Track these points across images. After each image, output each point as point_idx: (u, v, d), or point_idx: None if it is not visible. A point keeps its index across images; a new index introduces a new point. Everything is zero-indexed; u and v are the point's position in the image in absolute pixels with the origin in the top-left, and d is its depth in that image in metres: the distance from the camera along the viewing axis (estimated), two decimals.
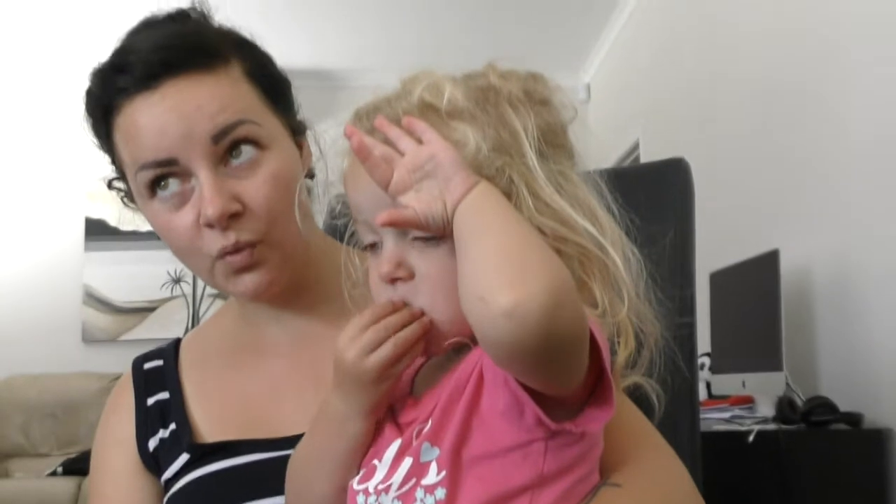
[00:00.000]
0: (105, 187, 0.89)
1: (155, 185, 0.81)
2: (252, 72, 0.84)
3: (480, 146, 0.63)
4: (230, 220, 0.79)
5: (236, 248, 0.80)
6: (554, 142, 0.68)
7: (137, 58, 0.79)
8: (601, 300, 0.66)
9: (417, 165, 0.63)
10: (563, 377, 0.59)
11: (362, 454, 0.69)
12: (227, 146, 0.80)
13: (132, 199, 0.87)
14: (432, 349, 0.68)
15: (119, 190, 0.88)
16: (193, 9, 0.87)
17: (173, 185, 0.80)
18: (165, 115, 0.78)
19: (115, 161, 0.85)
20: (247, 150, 0.80)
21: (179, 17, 0.86)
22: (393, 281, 0.66)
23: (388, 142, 0.65)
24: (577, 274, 0.65)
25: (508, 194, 0.63)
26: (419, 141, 0.64)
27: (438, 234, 0.63)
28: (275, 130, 0.84)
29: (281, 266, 0.83)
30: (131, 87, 0.79)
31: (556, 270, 0.56)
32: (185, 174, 0.80)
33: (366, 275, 0.71)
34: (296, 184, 0.82)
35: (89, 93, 0.83)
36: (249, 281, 0.82)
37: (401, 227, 0.64)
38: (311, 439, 0.72)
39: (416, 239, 0.65)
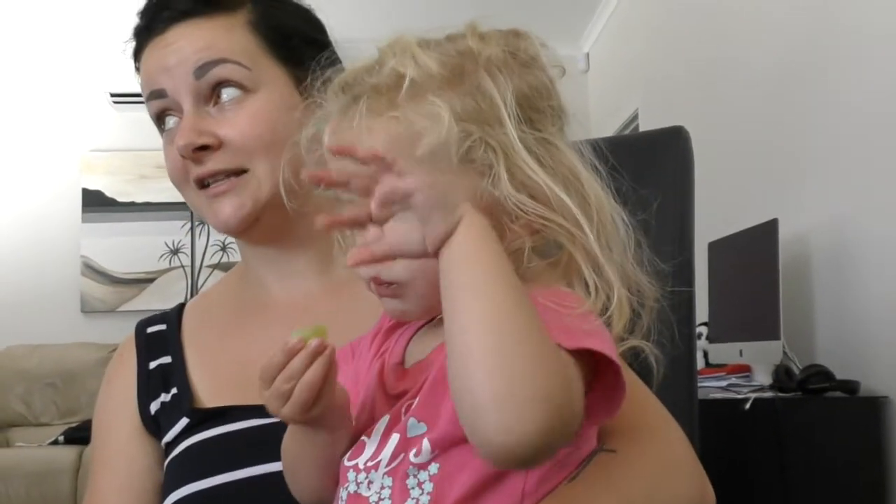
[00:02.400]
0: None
1: (160, 121, 0.89)
2: (258, 22, 0.89)
3: (456, 117, 0.61)
4: (203, 152, 0.85)
5: (212, 175, 0.86)
6: (538, 105, 0.66)
7: (157, 5, 0.89)
8: (590, 278, 0.64)
9: (390, 200, 0.58)
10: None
11: (341, 454, 0.67)
12: (212, 85, 0.86)
13: None
14: (412, 318, 0.68)
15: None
16: None
17: (170, 121, 0.89)
18: (163, 52, 0.87)
19: None
20: (229, 91, 0.86)
21: None
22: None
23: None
24: (566, 250, 0.64)
25: (489, 166, 0.62)
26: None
27: (417, 256, 0.60)
28: (268, 77, 0.88)
29: (259, 198, 0.86)
30: (147, 32, 0.89)
31: (554, 377, 0.54)
32: (177, 109, 0.87)
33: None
34: (281, 125, 0.85)
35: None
36: (224, 206, 0.86)
37: (375, 263, 0.62)
38: (289, 440, 0.70)
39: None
